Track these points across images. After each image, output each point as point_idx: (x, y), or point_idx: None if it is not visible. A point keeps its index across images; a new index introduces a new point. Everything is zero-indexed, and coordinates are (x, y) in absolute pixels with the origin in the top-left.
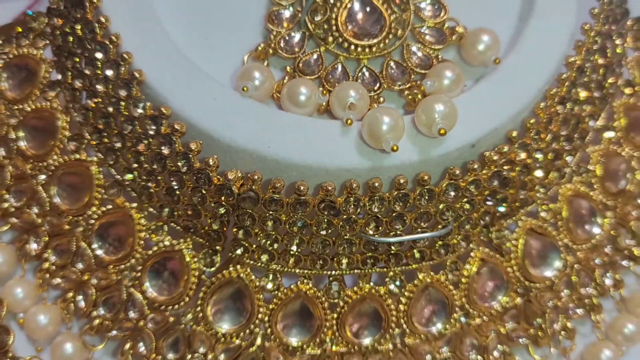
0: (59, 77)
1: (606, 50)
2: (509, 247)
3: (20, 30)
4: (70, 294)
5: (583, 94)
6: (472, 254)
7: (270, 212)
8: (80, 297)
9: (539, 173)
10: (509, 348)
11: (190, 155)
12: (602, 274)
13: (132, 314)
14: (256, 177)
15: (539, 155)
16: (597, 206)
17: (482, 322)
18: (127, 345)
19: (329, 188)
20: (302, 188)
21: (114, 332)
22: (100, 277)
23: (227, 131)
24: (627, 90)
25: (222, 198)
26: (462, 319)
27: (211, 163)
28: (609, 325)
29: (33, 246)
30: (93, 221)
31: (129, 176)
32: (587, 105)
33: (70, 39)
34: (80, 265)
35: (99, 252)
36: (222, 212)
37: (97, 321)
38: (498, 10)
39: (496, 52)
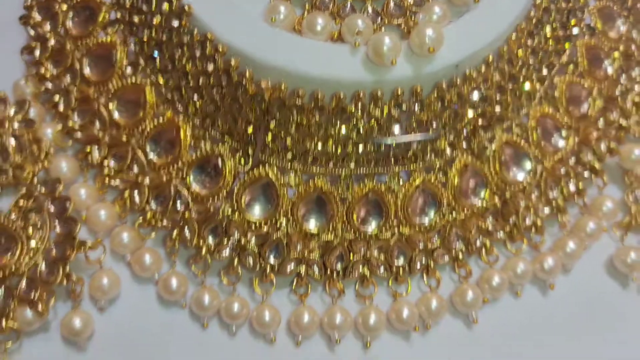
0: (118, 15)
1: None
2: (488, 155)
3: None
4: (126, 194)
5: (548, 30)
6: (457, 159)
7: (294, 116)
8: (136, 195)
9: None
10: (488, 241)
11: (230, 71)
12: (566, 181)
13: (179, 207)
14: (283, 86)
15: (509, 84)
16: (562, 127)
17: (466, 217)
18: (175, 232)
19: (341, 96)
20: (319, 95)
21: (164, 222)
22: (152, 178)
23: (259, 52)
24: (588, 33)
25: (255, 105)
26: (449, 215)
27: (247, 75)
28: (574, 225)
29: (95, 154)
30: (147, 132)
31: (177, 94)
32: (553, 41)
33: None
34: (135, 169)
35: (152, 155)
36: (255, 117)
37: (149, 214)
38: None
39: None
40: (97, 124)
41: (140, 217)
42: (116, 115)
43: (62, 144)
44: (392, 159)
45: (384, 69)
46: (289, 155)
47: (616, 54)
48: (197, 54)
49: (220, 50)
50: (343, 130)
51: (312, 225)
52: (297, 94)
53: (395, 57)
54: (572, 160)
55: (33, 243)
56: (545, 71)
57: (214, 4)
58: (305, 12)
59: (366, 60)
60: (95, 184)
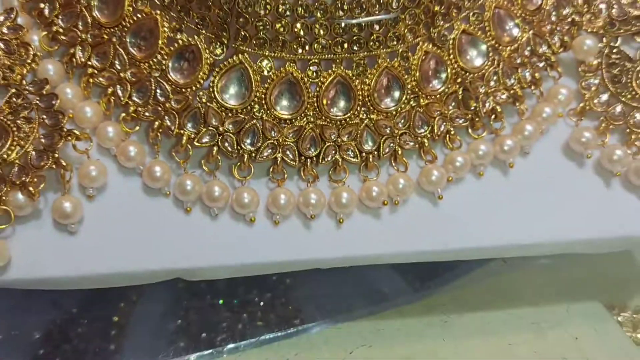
0: None
1: None
2: (448, 43)
3: None
4: (110, 90)
5: None
6: (418, 46)
7: (262, 0)
8: (119, 90)
9: None
10: (451, 127)
11: None
12: (522, 71)
13: (159, 98)
14: None
15: None
16: (517, 18)
17: (429, 103)
18: (157, 123)
19: None
20: None
21: (147, 114)
22: (134, 72)
23: None
24: None
25: None
26: (413, 101)
27: None
28: (531, 111)
29: (79, 55)
30: (127, 27)
31: None
32: None
33: None
34: (117, 66)
35: (132, 50)
36: (227, 4)
37: (132, 108)
38: None
39: None
40: (80, 25)
41: (124, 112)
42: (96, 13)
43: (48, 48)
44: (357, 44)
45: None
46: (260, 42)
47: None
48: None
49: None
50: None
51: (285, 112)
52: None
53: None
54: (527, 51)
55: (23, 134)
56: None
57: None
58: None
59: None
60: (80, 84)
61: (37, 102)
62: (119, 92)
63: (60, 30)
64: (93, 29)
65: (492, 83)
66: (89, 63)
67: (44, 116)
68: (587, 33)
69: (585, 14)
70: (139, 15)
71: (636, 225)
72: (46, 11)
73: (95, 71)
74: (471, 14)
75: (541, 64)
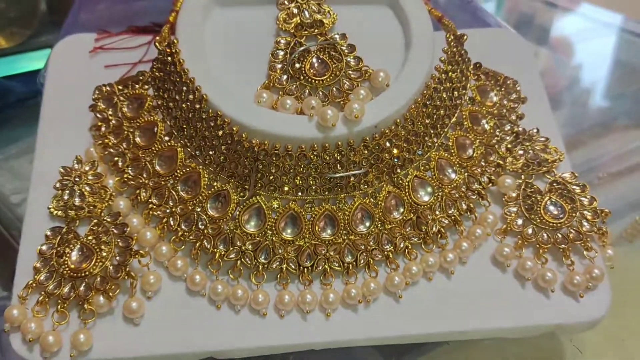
0: (159, 102)
1: (453, 79)
2: (404, 185)
3: (133, 81)
4: (165, 220)
5: (438, 102)
6: (382, 188)
7: (274, 161)
8: (171, 220)
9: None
10: (409, 244)
11: (233, 134)
12: (460, 202)
13: (200, 226)
14: (266, 142)
15: (413, 137)
16: (454, 165)
17: (392, 227)
18: (197, 244)
19: (303, 147)
20: (289, 147)
21: (191, 238)
22: (182, 208)
23: (250, 121)
24: (470, 102)
25: (249, 154)
26: (379, 226)
27: (244, 136)
28: (467, 231)
29: (143, 195)
30: (178, 177)
31: (198, 152)
32: (442, 109)
33: (167, 82)
34: (170, 204)
35: (182, 193)
36: (249, 163)
37: (180, 233)
38: (391, 56)
39: (387, 81)
40: (144, 174)
41: (174, 236)
42: (157, 167)
43: (120, 189)
44: (339, 189)
45: (329, 129)
46: (272, 188)
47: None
48: (212, 124)
49: (226, 121)
50: (305, 170)
51: (289, 235)
52: (275, 147)
53: (335, 122)
54: (463, 188)
55: (104, 253)
56: (440, 129)
57: (221, 94)
58: (279, 97)
59: (318, 125)
60: (142, 216)
61: (113, 230)
62: (171, 222)
63: (130, 177)
64: (154, 177)
65: (437, 212)
66: (150, 200)
67: (118, 240)
68: (509, 172)
69: (508, 158)
70: (187, 169)
71: (544, 316)
72: (119, 163)
73: (154, 206)
74: (421, 163)
75: (474, 197)
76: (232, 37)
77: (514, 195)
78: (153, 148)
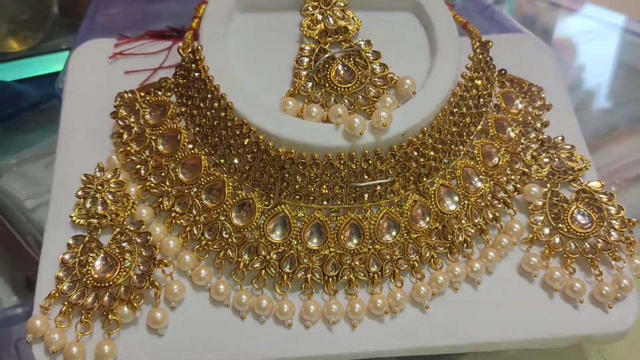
0: (182, 109)
1: (478, 87)
2: (430, 194)
3: (155, 87)
4: (188, 229)
5: (464, 109)
6: (408, 197)
7: (300, 170)
8: (195, 229)
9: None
10: (435, 253)
11: (259, 142)
12: (486, 211)
13: (224, 235)
14: (293, 151)
15: (439, 145)
16: (480, 174)
17: (418, 237)
18: (222, 253)
19: (330, 156)
20: (315, 155)
21: (215, 246)
22: (205, 217)
23: (277, 129)
24: (495, 110)
25: (275, 163)
26: (406, 235)
27: (270, 144)
28: (493, 241)
29: (166, 203)
30: (202, 185)
31: (222, 160)
32: (468, 117)
33: (191, 90)
34: (194, 212)
35: (206, 202)
36: (274, 172)
37: (204, 242)
38: (416, 63)
39: (414, 89)
40: (167, 182)
41: (198, 245)
42: (181, 175)
43: (142, 197)
44: (365, 198)
45: (356, 138)
46: (297, 197)
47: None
48: (237, 132)
49: (252, 129)
50: (331, 179)
51: (314, 245)
52: (301, 156)
53: (362, 130)
54: (489, 197)
55: (127, 263)
56: (466, 137)
57: (247, 101)
58: (305, 105)
59: (345, 133)
60: (165, 224)
61: (136, 238)
62: (195, 231)
63: (152, 185)
64: (177, 185)
65: (463, 221)
66: (173, 209)
67: (142, 249)
68: (535, 180)
69: (533, 166)
70: (211, 177)
71: (572, 327)
72: (142, 171)
73: (177, 215)
74: (447, 172)
75: (500, 205)
76: (255, 44)
77: (540, 203)
78: (176, 156)
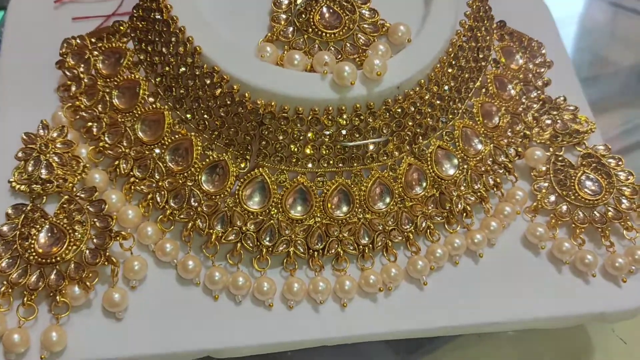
0: (141, 57)
1: (477, 38)
2: (426, 157)
3: (108, 32)
4: (149, 196)
5: (463, 62)
6: (403, 160)
7: (281, 126)
8: (157, 196)
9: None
10: (431, 224)
11: (233, 93)
12: (486, 177)
13: (193, 203)
14: (273, 103)
15: (437, 101)
16: (480, 135)
17: (413, 204)
18: (190, 224)
19: (316, 109)
20: (299, 109)
21: (182, 216)
22: (170, 181)
23: (254, 78)
24: (495, 65)
25: (252, 118)
26: (400, 203)
27: (246, 96)
28: (495, 209)
29: (123, 167)
30: (165, 145)
31: (189, 115)
32: (467, 72)
33: (151, 33)
34: (156, 177)
35: (170, 164)
36: (251, 128)
37: (168, 211)
38: (409, 10)
39: (408, 36)
40: (124, 142)
41: (161, 214)
42: (140, 134)
43: (95, 160)
44: (355, 160)
45: (346, 89)
46: (278, 158)
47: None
48: (207, 82)
49: (225, 78)
50: (317, 137)
51: (297, 214)
52: (283, 109)
53: (353, 80)
54: (489, 161)
55: (78, 235)
56: (464, 93)
57: (218, 45)
58: (285, 51)
59: (333, 84)
60: (123, 191)
61: (88, 207)
62: (157, 198)
63: (107, 145)
64: (136, 145)
65: (462, 187)
66: (131, 173)
67: (95, 219)
68: (537, 144)
69: (534, 128)
70: (176, 136)
71: (584, 304)
72: (94, 129)
73: (137, 180)
74: (444, 132)
75: (501, 171)
76: None
77: (543, 169)
78: (135, 111)
